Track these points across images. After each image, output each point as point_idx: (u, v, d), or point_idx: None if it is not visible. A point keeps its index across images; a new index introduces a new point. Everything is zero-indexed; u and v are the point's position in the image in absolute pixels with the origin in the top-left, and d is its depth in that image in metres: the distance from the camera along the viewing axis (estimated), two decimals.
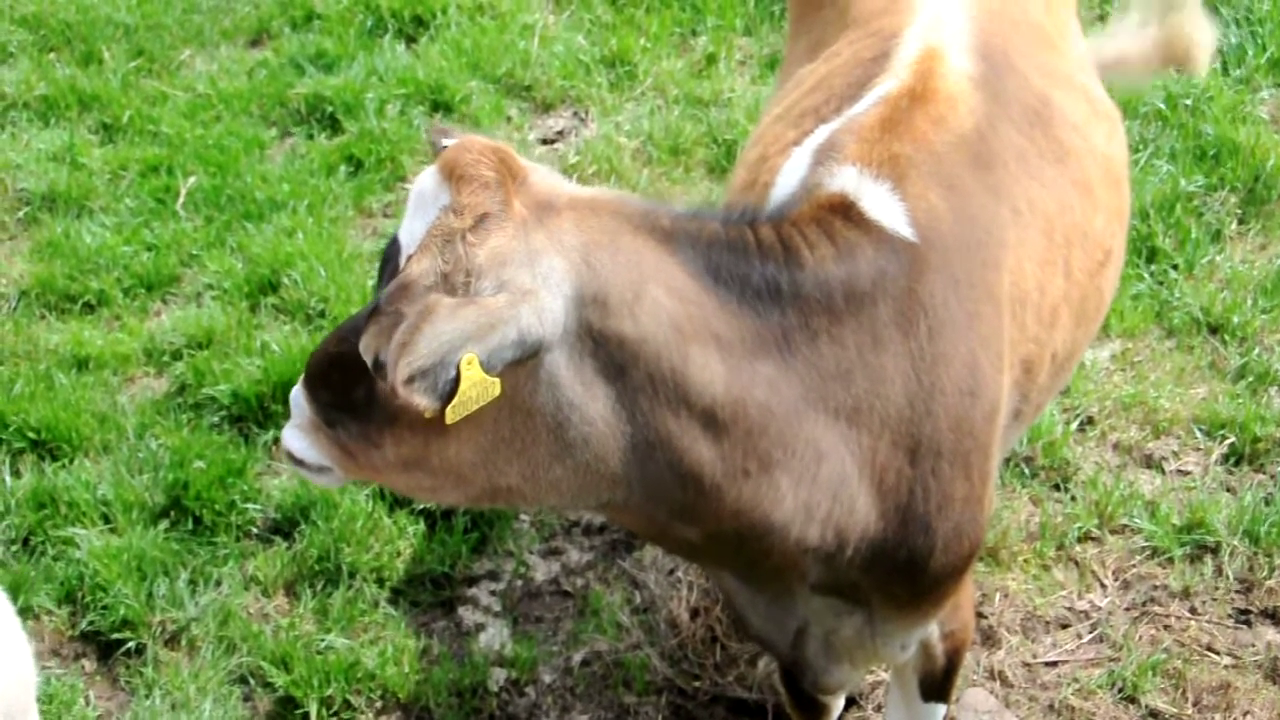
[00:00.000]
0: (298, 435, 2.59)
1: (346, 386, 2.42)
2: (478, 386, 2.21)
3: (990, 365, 2.65)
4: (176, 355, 5.14)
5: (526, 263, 2.26)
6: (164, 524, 4.50)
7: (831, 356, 2.45)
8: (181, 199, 5.86)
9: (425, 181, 2.34)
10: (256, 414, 4.88)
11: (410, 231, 2.32)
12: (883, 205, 2.57)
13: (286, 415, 4.81)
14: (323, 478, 2.65)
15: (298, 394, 2.58)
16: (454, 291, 2.22)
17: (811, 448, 2.46)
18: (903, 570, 2.67)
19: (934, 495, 2.59)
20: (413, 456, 2.41)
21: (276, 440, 4.84)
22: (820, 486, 2.49)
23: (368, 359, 2.25)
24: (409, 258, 2.28)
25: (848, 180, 2.61)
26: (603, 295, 2.31)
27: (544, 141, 6.29)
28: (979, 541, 2.76)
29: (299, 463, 2.62)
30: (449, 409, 2.21)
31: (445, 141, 2.46)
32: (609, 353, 2.33)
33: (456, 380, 2.19)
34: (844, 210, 2.56)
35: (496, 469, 2.40)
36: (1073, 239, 3.04)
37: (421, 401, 2.20)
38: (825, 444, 2.47)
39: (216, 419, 4.88)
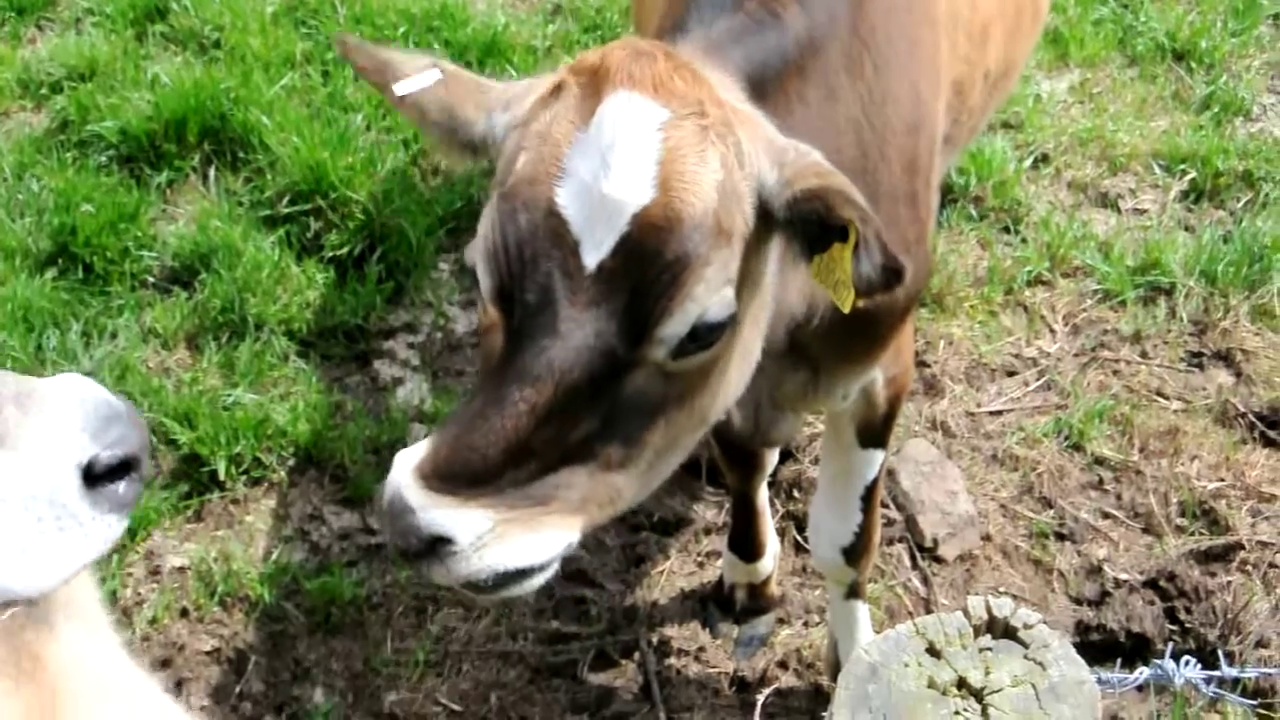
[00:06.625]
0: (506, 551, 1.94)
1: (572, 427, 1.98)
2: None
3: (929, 93, 2.56)
4: (56, 88, 4.79)
5: (762, 119, 2.11)
6: (51, 272, 4.22)
7: (802, 122, 2.31)
8: None
9: (632, 109, 1.97)
10: (148, 153, 4.54)
11: (617, 179, 1.93)
12: None
13: (181, 155, 4.59)
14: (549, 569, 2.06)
15: (458, 520, 1.91)
16: (744, 196, 2.01)
17: None
18: (859, 322, 2.55)
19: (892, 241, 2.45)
20: (682, 422, 2.12)
21: (171, 183, 4.51)
22: None
23: (715, 311, 1.97)
24: (680, 203, 1.94)
25: None
26: None
27: None
28: (929, 277, 2.74)
29: (523, 574, 2.00)
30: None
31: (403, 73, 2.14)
32: None
33: None
34: None
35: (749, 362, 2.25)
36: None
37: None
38: None
39: (104, 159, 4.55)
